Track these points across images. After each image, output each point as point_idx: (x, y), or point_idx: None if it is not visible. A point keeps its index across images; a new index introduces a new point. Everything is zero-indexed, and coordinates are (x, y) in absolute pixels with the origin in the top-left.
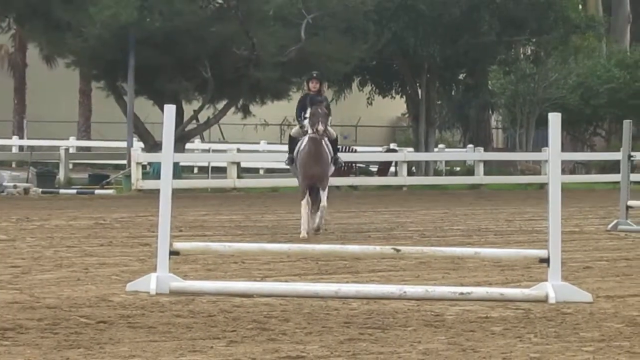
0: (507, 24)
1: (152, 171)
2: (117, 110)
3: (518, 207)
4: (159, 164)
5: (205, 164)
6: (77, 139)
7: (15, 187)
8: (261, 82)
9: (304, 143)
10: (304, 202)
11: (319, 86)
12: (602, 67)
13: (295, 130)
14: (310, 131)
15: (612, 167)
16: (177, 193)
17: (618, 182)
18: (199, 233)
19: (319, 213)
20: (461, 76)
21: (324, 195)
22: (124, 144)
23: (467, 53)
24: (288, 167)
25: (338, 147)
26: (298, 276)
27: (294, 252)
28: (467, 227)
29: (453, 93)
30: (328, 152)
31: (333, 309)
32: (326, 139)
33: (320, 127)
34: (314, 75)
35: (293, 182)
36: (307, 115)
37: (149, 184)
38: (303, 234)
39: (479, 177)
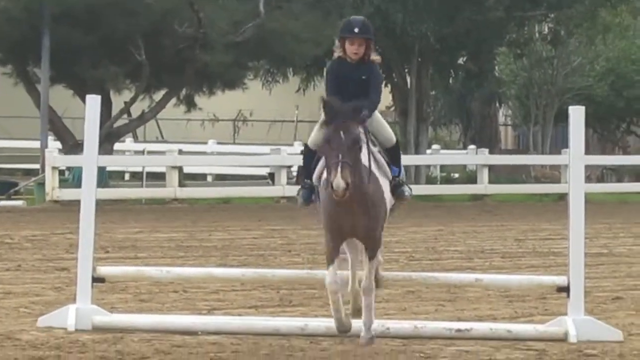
0: None
1: (71, 178)
2: (29, 101)
3: (531, 224)
4: (80, 168)
5: (139, 169)
6: None
7: None
8: (209, 68)
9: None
10: (329, 277)
11: (363, 50)
12: (637, 49)
13: (315, 136)
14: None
15: None
16: (103, 205)
17: None
18: (130, 255)
19: (363, 300)
20: (461, 60)
21: (369, 266)
22: (36, 144)
23: (468, 32)
24: (302, 205)
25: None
26: (254, 309)
27: (249, 278)
28: (467, 247)
29: (451, 81)
30: (379, 179)
31: (298, 349)
32: (374, 148)
33: (340, 183)
34: (356, 30)
35: (249, 191)
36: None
37: (68, 194)
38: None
39: (483, 186)
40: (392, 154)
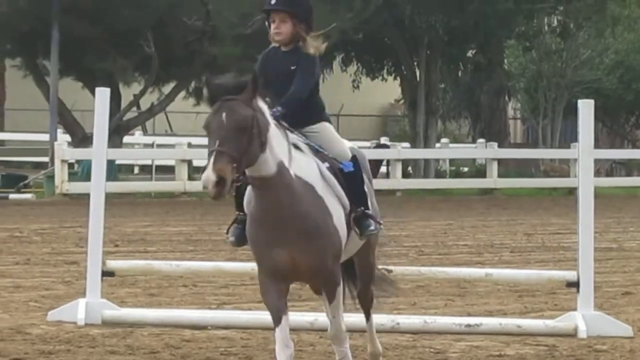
0: None
1: (81, 171)
2: (38, 94)
3: (540, 218)
4: (89, 162)
5: (149, 162)
6: None
7: None
8: (218, 60)
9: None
10: (278, 344)
11: (289, 29)
12: None
13: None
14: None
15: None
16: (112, 198)
17: None
18: (139, 249)
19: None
20: (470, 53)
21: (331, 311)
22: (46, 137)
23: (477, 24)
24: (234, 245)
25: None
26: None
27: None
28: (476, 242)
29: (460, 74)
30: (325, 200)
31: (308, 344)
32: (323, 164)
33: (210, 176)
34: (272, 1)
35: None
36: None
37: (77, 187)
38: None
39: (492, 180)
40: (345, 175)
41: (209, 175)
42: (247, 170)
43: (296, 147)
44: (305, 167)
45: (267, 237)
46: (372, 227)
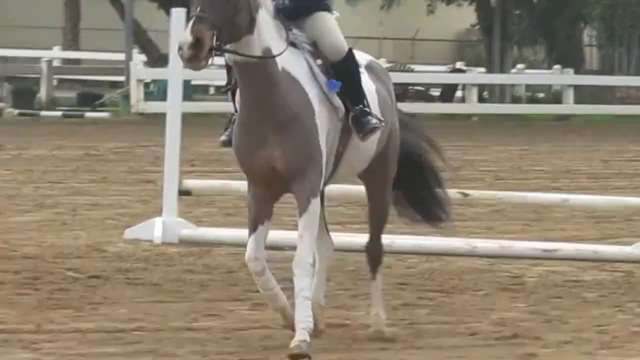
0: None
1: (156, 90)
2: (113, 14)
3: (617, 144)
4: (165, 81)
5: (224, 83)
6: (63, 49)
7: None
8: None
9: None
10: (249, 250)
11: None
12: None
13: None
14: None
15: None
16: (188, 118)
17: None
18: (216, 169)
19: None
20: None
21: (302, 223)
22: (121, 57)
23: None
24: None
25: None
26: (340, 225)
27: (335, 192)
28: (553, 167)
29: (535, 0)
30: (309, 96)
31: (384, 266)
32: (315, 62)
33: (187, 37)
34: None
35: None
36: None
37: (153, 107)
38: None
39: (568, 106)
40: (340, 70)
41: (185, 36)
42: (230, 48)
43: (291, 43)
44: (295, 62)
45: (249, 139)
46: (372, 122)
